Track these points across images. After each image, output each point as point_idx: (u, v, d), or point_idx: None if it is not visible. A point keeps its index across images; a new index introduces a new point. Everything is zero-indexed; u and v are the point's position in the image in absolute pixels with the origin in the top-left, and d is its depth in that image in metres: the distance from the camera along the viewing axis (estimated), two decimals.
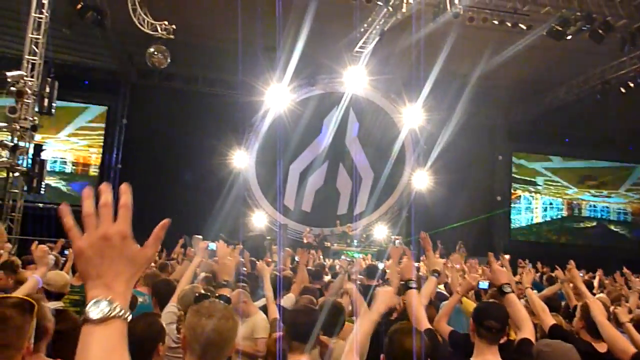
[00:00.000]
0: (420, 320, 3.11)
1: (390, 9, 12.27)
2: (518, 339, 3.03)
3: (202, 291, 3.17)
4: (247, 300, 4.35)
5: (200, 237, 9.38)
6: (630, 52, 13.88)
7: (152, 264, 7.42)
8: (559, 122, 17.61)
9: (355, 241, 15.73)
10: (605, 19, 12.34)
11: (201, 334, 1.90)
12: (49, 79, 10.08)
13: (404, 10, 12.14)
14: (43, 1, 10.01)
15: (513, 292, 3.15)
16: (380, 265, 7.51)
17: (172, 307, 3.60)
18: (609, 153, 19.60)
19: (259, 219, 16.36)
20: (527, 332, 2.98)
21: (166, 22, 11.13)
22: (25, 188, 10.13)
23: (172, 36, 11.18)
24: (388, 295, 2.65)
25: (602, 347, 3.59)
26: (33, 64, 9.96)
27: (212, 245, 5.79)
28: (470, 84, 14.79)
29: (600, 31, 12.29)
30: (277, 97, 15.52)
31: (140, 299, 4.51)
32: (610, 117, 16.11)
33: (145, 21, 11.19)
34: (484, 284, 4.59)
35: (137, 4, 10.99)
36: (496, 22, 12.72)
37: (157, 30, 11.06)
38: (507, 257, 8.38)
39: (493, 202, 18.56)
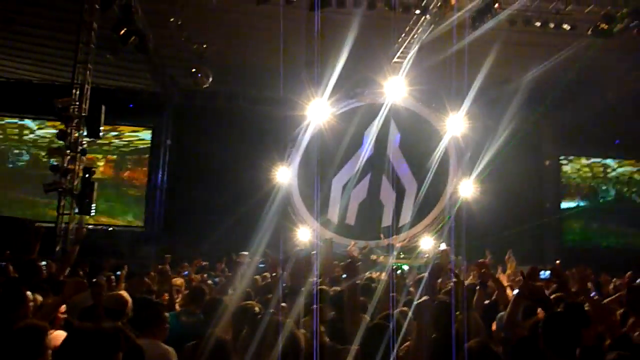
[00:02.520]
0: None
1: (429, 17, 12.18)
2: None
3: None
4: None
5: (247, 253, 9.40)
6: None
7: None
8: (608, 124, 17.03)
9: (401, 253, 15.51)
10: None
11: None
12: (96, 104, 10.36)
13: (443, 18, 12.02)
14: (92, 29, 10.31)
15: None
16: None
17: None
18: None
19: (304, 234, 16.32)
20: None
21: (205, 43, 11.31)
22: (76, 210, 10.39)
23: (208, 56, 11.36)
24: None
25: None
26: (81, 90, 10.26)
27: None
28: (508, 89, 14.48)
29: None
30: (317, 111, 15.53)
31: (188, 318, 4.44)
32: None
33: (185, 43, 11.41)
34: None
35: (177, 27, 11.22)
36: (538, 24, 12.45)
37: (197, 52, 11.25)
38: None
39: (542, 209, 18.05)
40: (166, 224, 16.76)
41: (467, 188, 16.68)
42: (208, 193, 15.84)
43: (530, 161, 18.13)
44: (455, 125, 16.05)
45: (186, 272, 9.23)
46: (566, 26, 12.40)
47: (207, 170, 16.20)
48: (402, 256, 15.33)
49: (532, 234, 16.57)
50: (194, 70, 11.46)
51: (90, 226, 16.41)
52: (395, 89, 15.20)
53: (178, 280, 7.77)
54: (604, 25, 12.04)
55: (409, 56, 13.67)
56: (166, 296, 5.65)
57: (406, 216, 17.36)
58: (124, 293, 4.14)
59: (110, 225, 17.12)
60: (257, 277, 7.95)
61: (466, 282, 5.02)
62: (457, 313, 3.59)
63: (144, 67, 14.82)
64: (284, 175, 16.22)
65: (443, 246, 14.82)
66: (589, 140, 18.44)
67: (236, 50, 14.28)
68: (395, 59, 14.12)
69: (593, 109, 16.29)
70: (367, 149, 17.04)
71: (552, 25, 12.45)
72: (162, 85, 16.47)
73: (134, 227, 17.36)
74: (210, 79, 11.70)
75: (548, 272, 4.51)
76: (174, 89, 16.59)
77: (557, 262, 8.88)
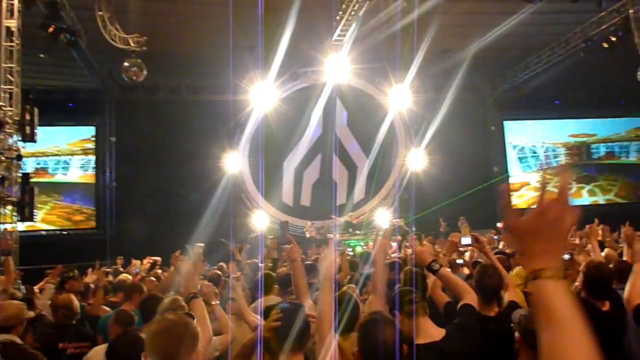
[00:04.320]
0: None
1: None
2: (459, 305, 3.08)
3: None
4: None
5: (202, 244, 9.32)
6: (608, 6, 13.78)
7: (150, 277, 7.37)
8: (547, 85, 17.48)
9: (358, 230, 15.69)
10: None
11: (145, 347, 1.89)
12: (28, 107, 9.98)
13: None
14: (12, 29, 9.91)
15: (441, 266, 3.24)
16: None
17: None
18: (599, 110, 19.50)
19: (259, 219, 16.30)
20: (469, 299, 3.06)
21: (137, 35, 11.01)
22: (18, 218, 10.07)
23: (144, 48, 11.07)
24: None
25: (604, 306, 3.58)
26: (10, 94, 9.88)
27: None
28: (449, 58, 14.68)
29: None
30: (262, 95, 15.41)
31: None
32: (596, 74, 16.00)
33: (117, 36, 11.08)
34: (466, 239, 4.80)
35: (106, 20, 10.89)
36: None
37: (129, 44, 10.95)
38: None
39: (490, 173, 18.48)
40: (118, 223, 16.44)
41: (416, 160, 16.94)
42: (158, 187, 15.61)
43: (476, 128, 18.47)
44: (400, 99, 16.21)
45: (136, 270, 9.10)
46: None
47: (155, 164, 15.92)
48: (358, 233, 15.49)
49: (482, 199, 16.95)
50: (126, 64, 11.15)
51: (43, 232, 16.06)
52: (338, 67, 15.15)
53: (91, 277, 7.70)
54: None
55: (349, 33, 13.62)
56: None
57: (360, 192, 17.54)
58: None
59: (62, 229, 16.69)
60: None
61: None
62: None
63: (79, 64, 14.35)
64: (235, 161, 16.10)
65: (393, 220, 15.11)
66: (530, 103, 18.90)
67: (174, 41, 13.97)
68: (336, 37, 14.06)
69: (532, 73, 16.70)
70: (315, 129, 17.07)
71: None
72: (102, 81, 16.00)
73: (86, 229, 16.95)
74: (145, 72, 11.41)
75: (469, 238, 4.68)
76: (113, 84, 16.14)
77: (499, 224, 9.13)
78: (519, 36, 14.94)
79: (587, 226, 5.30)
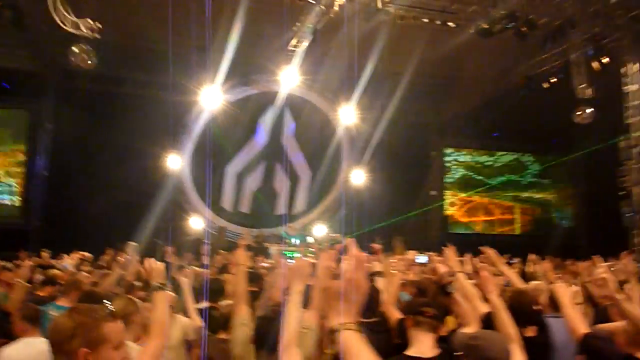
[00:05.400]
0: None
1: (323, 7, 12.30)
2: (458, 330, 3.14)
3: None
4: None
5: (136, 244, 9.07)
6: (551, 49, 14.56)
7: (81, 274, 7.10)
8: (488, 117, 18.15)
9: (295, 241, 15.67)
10: (528, 17, 12.86)
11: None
12: None
13: (336, 8, 12.19)
14: None
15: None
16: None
17: None
18: (533, 146, 20.45)
19: (196, 223, 16.04)
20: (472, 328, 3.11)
21: (89, 20, 10.65)
22: None
23: (97, 35, 10.72)
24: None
25: (529, 332, 3.73)
26: None
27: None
28: (397, 81, 15.02)
29: (523, 29, 12.80)
30: (210, 97, 15.21)
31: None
32: (534, 112, 16.76)
33: (67, 19, 10.68)
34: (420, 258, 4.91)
35: (57, 0, 10.48)
36: (426, 21, 13.02)
37: (80, 29, 10.57)
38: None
39: (428, 197, 18.96)
40: (47, 215, 15.71)
41: (358, 177, 17.15)
42: (93, 181, 15.04)
43: (418, 151, 18.93)
44: (347, 114, 16.40)
45: (65, 265, 8.74)
46: (451, 24, 13.09)
47: (92, 156, 15.36)
48: (295, 244, 15.47)
49: (419, 221, 17.35)
50: (74, 49, 10.75)
51: None
52: (290, 77, 15.22)
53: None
54: (485, 25, 12.81)
55: (302, 45, 13.73)
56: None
57: (300, 204, 17.57)
58: None
59: None
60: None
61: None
62: None
63: (21, 44, 13.76)
64: (175, 162, 15.78)
65: (331, 235, 15.21)
66: (471, 133, 19.57)
67: (124, 32, 13.63)
68: (289, 48, 14.14)
69: (473, 103, 17.33)
70: (261, 137, 17.01)
71: (438, 22, 13.09)
72: (44, 65, 15.35)
73: (9, 220, 16.11)
74: (94, 60, 11.04)
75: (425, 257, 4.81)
76: (56, 69, 15.51)
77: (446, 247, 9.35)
78: (466, 68, 15.53)
79: (482, 256, 5.26)
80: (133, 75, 16.20)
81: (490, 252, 4.85)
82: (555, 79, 14.86)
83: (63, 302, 4.40)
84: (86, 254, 10.16)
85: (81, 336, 1.75)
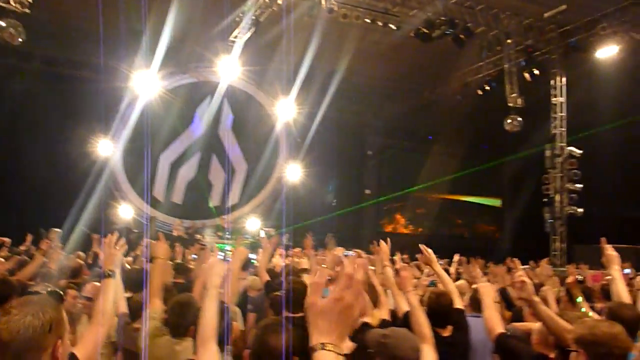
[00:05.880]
0: None
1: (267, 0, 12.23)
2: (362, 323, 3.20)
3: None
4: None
5: (59, 230, 8.70)
6: (487, 57, 15.07)
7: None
8: (423, 120, 18.61)
9: (227, 233, 15.51)
10: (466, 25, 13.25)
11: None
12: None
13: (279, 2, 12.13)
14: None
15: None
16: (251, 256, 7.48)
17: None
18: (464, 150, 21.09)
19: (126, 211, 15.58)
20: (383, 313, 3.17)
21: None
22: None
23: (27, 10, 10.19)
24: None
25: (445, 332, 3.84)
26: None
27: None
28: (337, 79, 15.13)
29: (461, 36, 13.17)
30: (146, 83, 14.77)
31: None
32: (467, 117, 17.29)
33: None
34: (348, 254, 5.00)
35: None
36: (368, 21, 13.17)
37: (9, 3, 10.01)
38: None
39: (362, 195, 19.21)
40: None
41: (294, 172, 17.16)
42: (18, 163, 14.29)
43: (355, 150, 19.15)
44: (285, 109, 16.37)
45: None
46: (392, 26, 13.29)
47: (18, 137, 14.57)
48: (226, 236, 15.31)
49: (351, 219, 17.56)
50: (2, 24, 10.17)
51: None
52: (230, 69, 15.01)
53: None
54: (425, 30, 13.09)
55: (243, 37, 13.57)
56: None
57: (235, 197, 17.39)
58: None
59: None
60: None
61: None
62: None
63: None
64: (106, 148, 15.24)
65: (264, 229, 15.18)
66: (407, 134, 19.98)
67: (58, 9, 13.02)
68: (230, 38, 13.95)
69: (411, 105, 17.70)
70: (198, 127, 16.71)
71: (380, 23, 13.27)
72: None
73: None
74: (23, 36, 10.48)
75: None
76: None
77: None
78: (404, 70, 15.83)
79: (419, 256, 5.32)
80: (64, 55, 15.51)
81: (428, 251, 4.92)
82: (489, 87, 15.38)
83: None
84: (5, 238, 9.63)
85: (55, 329, 1.77)
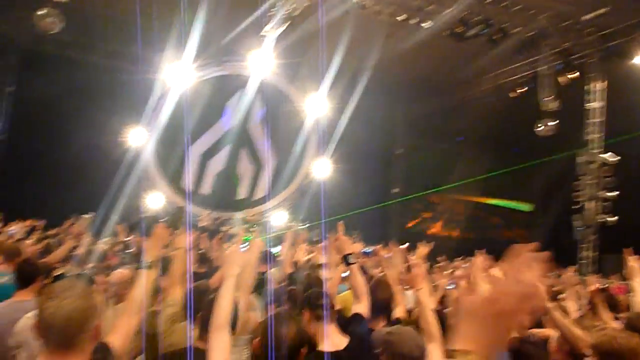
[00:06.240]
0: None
1: None
2: (351, 314, 3.24)
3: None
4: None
5: (89, 216, 8.92)
6: (522, 59, 14.82)
7: (30, 243, 6.96)
8: (454, 121, 18.41)
9: (254, 226, 15.64)
10: (501, 25, 13.06)
11: (43, 317, 1.78)
12: None
13: None
14: None
15: (356, 263, 3.40)
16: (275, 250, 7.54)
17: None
18: (495, 153, 20.79)
19: (156, 201, 15.85)
20: (361, 306, 3.22)
21: None
22: None
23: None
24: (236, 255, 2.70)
25: None
26: None
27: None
28: (368, 76, 15.08)
29: (496, 36, 13.00)
30: (179, 75, 14.99)
31: (1, 280, 4.16)
32: (499, 119, 17.04)
33: None
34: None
35: None
36: (401, 18, 13.09)
37: None
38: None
39: (389, 195, 19.14)
40: (4, 181, 15.27)
41: (322, 168, 17.19)
42: (53, 149, 14.67)
43: (384, 148, 19.09)
44: (316, 105, 16.41)
45: (13, 230, 8.53)
46: (426, 24, 13.17)
47: (53, 123, 14.95)
48: (252, 229, 15.44)
49: (378, 217, 17.49)
50: (41, 12, 10.44)
51: None
52: (262, 63, 15.12)
53: None
54: (459, 29, 12.95)
55: (277, 31, 13.64)
56: None
57: (262, 191, 17.51)
58: None
59: None
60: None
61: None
62: None
63: None
64: (139, 138, 15.52)
65: (289, 224, 15.23)
66: (437, 134, 19.80)
67: (95, 0, 13.30)
68: (263, 32, 14.02)
69: (442, 105, 17.53)
70: (228, 120, 16.87)
71: (413, 21, 13.16)
72: (9, 26, 14.84)
73: None
74: (61, 25, 10.73)
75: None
76: (22, 32, 15.01)
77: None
78: (436, 69, 15.69)
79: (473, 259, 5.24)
80: (101, 45, 15.83)
81: (480, 257, 4.76)
82: (522, 89, 15.14)
83: (3, 269, 4.33)
84: (37, 222, 9.94)
85: (96, 313, 1.91)
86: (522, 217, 22.14)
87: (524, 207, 22.14)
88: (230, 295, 2.48)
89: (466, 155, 20.99)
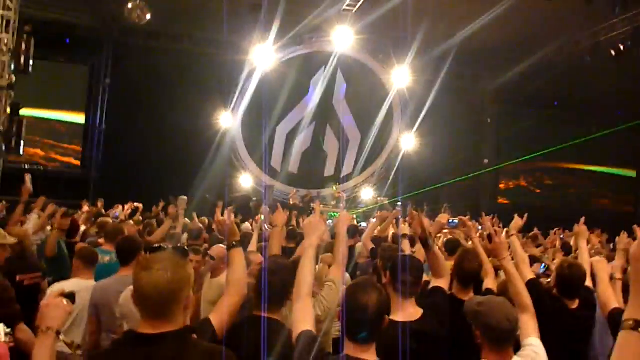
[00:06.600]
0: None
1: None
2: (431, 287, 3.16)
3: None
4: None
5: (185, 198, 9.29)
6: (621, 14, 13.69)
7: (131, 223, 7.37)
8: (548, 84, 17.41)
9: (341, 203, 15.71)
10: None
11: (138, 287, 1.85)
12: (25, 36, 9.74)
13: None
14: None
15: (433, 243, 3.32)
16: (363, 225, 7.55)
17: None
18: (596, 117, 19.50)
19: (245, 180, 16.32)
20: (443, 282, 3.14)
21: None
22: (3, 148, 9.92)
23: None
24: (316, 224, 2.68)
25: (573, 304, 3.64)
26: (8, 21, 9.63)
27: None
28: (453, 45, 14.57)
29: None
30: (263, 56, 15.22)
31: (106, 258, 4.44)
32: (599, 80, 15.95)
33: None
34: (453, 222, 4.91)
35: None
36: None
37: None
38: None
39: (480, 164, 18.54)
40: (104, 166, 16.31)
41: (409, 141, 16.93)
42: (148, 135, 15.43)
43: (471, 117, 18.47)
44: (400, 78, 16.12)
45: (117, 214, 9.08)
46: None
47: (147, 111, 15.70)
48: (341, 206, 15.51)
49: (468, 188, 17.03)
50: (130, 5, 10.91)
51: (26, 165, 15.81)
52: (343, 38, 15.02)
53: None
54: None
55: (357, 5, 13.47)
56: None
57: (349, 167, 17.54)
58: None
59: (44, 165, 16.48)
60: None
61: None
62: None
63: (82, 1, 14.03)
64: (228, 120, 15.98)
65: (378, 199, 15.14)
66: (529, 100, 18.85)
67: None
68: (344, 7, 13.89)
69: (534, 69, 16.57)
70: (312, 97, 16.95)
71: None
72: (103, 21, 15.67)
73: (70, 167, 16.81)
74: (149, 16, 11.17)
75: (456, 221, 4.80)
76: (114, 25, 15.81)
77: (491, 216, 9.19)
78: (527, 32, 14.85)
79: (576, 226, 4.99)
80: (188, 32, 16.35)
81: (582, 227, 4.59)
82: (623, 47, 14.02)
83: (107, 247, 4.69)
84: (138, 204, 10.54)
85: (190, 284, 1.96)
86: (627, 183, 20.76)
87: (628, 173, 20.74)
88: (311, 265, 2.48)
89: (562, 120, 19.91)
